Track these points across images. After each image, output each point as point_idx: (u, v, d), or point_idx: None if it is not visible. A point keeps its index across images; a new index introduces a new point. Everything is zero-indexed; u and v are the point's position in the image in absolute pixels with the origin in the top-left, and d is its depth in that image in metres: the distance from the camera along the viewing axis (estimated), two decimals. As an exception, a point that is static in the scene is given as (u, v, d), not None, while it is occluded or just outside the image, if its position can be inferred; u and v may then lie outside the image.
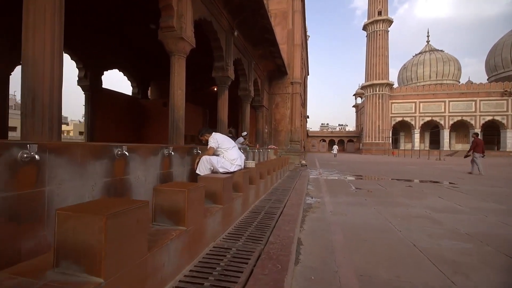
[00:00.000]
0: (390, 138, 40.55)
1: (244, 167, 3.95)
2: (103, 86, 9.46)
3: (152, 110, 11.14)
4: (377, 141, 39.72)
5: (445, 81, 42.83)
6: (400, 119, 40.30)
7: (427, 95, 39.00)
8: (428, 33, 50.14)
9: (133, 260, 1.26)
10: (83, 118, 9.21)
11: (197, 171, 3.42)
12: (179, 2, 4.45)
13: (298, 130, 13.53)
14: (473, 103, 37.20)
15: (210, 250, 2.09)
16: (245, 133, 7.60)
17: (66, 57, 8.32)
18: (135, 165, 2.38)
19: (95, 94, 8.90)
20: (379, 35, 39.93)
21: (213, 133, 3.81)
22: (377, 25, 39.95)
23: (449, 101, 38.09)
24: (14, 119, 15.00)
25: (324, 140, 58.64)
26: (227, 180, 2.69)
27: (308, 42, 28.61)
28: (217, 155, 3.65)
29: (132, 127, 10.74)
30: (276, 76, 12.86)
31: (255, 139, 11.78)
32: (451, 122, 38.05)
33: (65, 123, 63.92)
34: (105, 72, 9.65)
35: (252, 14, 7.21)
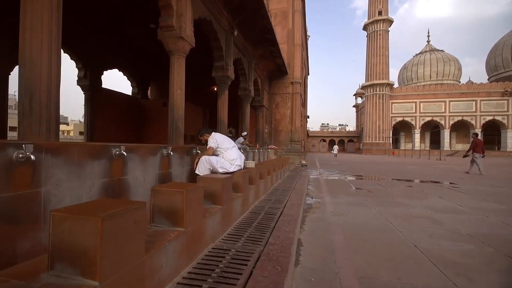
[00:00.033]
0: (391, 138, 40.51)
1: (243, 167, 3.93)
2: (103, 86, 9.45)
3: (152, 110, 11.12)
4: (377, 141, 39.68)
5: (445, 81, 42.78)
6: (400, 119, 40.26)
7: (428, 95, 38.96)
8: (428, 33, 50.11)
9: (130, 262, 1.24)
10: (83, 118, 9.18)
11: (197, 171, 3.39)
12: (178, 2, 4.43)
13: (298, 130, 13.51)
14: (474, 103, 37.15)
15: (209, 251, 2.07)
16: (245, 133, 7.58)
17: (66, 57, 8.33)
18: (134, 165, 2.36)
19: (95, 94, 8.88)
20: (380, 35, 39.88)
21: (213, 133, 3.79)
22: (378, 25, 39.91)
23: (450, 101, 38.04)
24: (14, 119, 14.97)
25: (324, 140, 58.61)
26: (226, 180, 2.67)
27: (308, 42, 28.57)
28: (217, 155, 3.63)
29: (132, 127, 10.72)
30: (276, 76, 12.83)
31: (255, 139, 11.76)
32: (451, 122, 38.00)
33: (65, 123, 63.92)
34: (104, 72, 9.63)
35: (252, 14, 7.18)
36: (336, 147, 28.96)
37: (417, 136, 39.40)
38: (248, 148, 6.55)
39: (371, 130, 40.46)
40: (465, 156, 10.66)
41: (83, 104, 8.88)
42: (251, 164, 4.36)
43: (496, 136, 37.56)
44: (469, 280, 1.85)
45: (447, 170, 11.79)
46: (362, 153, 40.35)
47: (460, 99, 37.70)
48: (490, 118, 36.38)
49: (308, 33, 26.26)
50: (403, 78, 48.90)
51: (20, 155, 1.41)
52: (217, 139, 3.67)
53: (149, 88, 13.02)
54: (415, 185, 6.76)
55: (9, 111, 8.46)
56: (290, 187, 5.52)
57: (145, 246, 1.37)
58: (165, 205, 1.78)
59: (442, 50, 46.74)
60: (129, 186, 2.29)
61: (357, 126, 58.29)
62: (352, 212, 3.78)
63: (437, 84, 41.06)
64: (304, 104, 21.76)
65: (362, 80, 52.04)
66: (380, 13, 39.80)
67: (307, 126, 40.88)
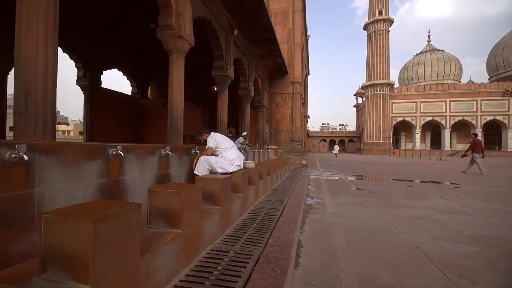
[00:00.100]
0: (391, 138, 40.44)
1: (243, 167, 3.89)
2: (102, 85, 9.41)
3: (152, 110, 11.08)
4: (378, 141, 39.61)
5: (446, 81, 42.69)
6: (401, 119, 40.18)
7: (428, 95, 38.87)
8: (429, 32, 50.06)
9: (125, 265, 1.20)
10: (83, 118, 9.14)
11: (195, 172, 3.36)
12: (177, 1, 4.40)
13: (299, 130, 13.47)
14: (474, 103, 37.05)
15: (207, 253, 2.03)
16: (245, 133, 7.54)
17: (66, 57, 8.29)
18: (131, 165, 2.33)
19: (94, 93, 8.84)
20: (380, 34, 39.81)
21: (212, 132, 3.75)
22: (378, 24, 39.83)
23: (450, 101, 37.95)
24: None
25: (324, 140, 58.54)
26: (225, 181, 2.63)
27: (309, 42, 28.52)
28: (216, 155, 3.59)
29: (132, 127, 10.68)
30: (277, 75, 12.79)
31: (255, 139, 11.72)
32: (452, 122, 37.91)
33: (65, 123, 64.02)
34: (104, 72, 9.59)
35: (252, 13, 7.15)
36: (336, 147, 28.92)
37: (417, 136, 39.32)
38: (248, 148, 6.51)
39: (371, 130, 40.38)
40: (463, 156, 10.77)
41: (83, 103, 8.84)
42: (251, 164, 4.32)
43: (497, 136, 37.47)
44: (473, 282, 1.81)
45: (448, 170, 11.74)
46: (362, 153, 40.27)
47: (460, 99, 37.61)
48: (491, 118, 36.28)
49: (308, 33, 26.22)
50: (403, 78, 48.81)
51: (13, 155, 1.37)
52: (216, 139, 3.63)
53: (149, 88, 12.99)
54: (416, 186, 6.72)
55: (8, 111, 8.41)
56: (290, 188, 5.49)
57: (140, 248, 1.34)
58: (162, 206, 1.75)
59: (442, 50, 46.65)
60: (126, 187, 2.25)
61: (357, 126, 58.22)
62: (353, 213, 3.74)
63: (437, 84, 40.96)
64: (304, 104, 21.72)
65: (362, 80, 52.00)
66: (380, 13, 39.72)
67: (308, 126, 40.84)
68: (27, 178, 1.46)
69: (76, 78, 8.64)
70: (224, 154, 3.61)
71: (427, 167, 13.45)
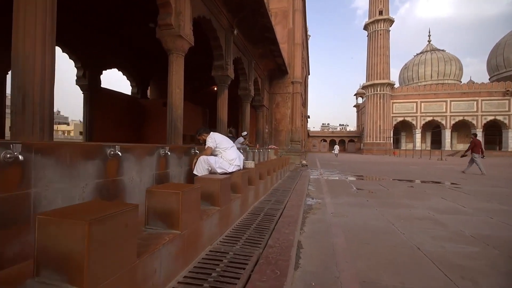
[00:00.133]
0: (392, 138, 40.39)
1: (243, 167, 3.87)
2: (102, 85, 9.38)
3: (152, 110, 11.06)
4: (378, 141, 39.56)
5: (446, 81, 42.64)
6: (401, 119, 40.13)
7: (429, 95, 38.82)
8: (429, 32, 50.02)
9: (121, 267, 1.18)
10: (82, 118, 9.12)
11: (195, 172, 3.34)
12: (177, 0, 4.38)
13: (299, 130, 13.44)
14: (475, 103, 37.00)
15: (206, 254, 2.01)
16: (245, 133, 7.53)
17: (65, 56, 8.27)
18: (130, 165, 2.30)
19: (94, 93, 8.81)
20: (380, 34, 39.76)
21: (211, 132, 3.73)
22: (378, 24, 39.78)
23: (451, 101, 37.90)
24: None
25: (325, 140, 58.49)
26: (225, 181, 2.61)
27: (309, 42, 28.49)
28: (215, 155, 3.57)
29: (131, 127, 10.66)
30: (277, 75, 12.77)
31: (255, 139, 11.70)
32: (452, 122, 37.85)
33: (65, 123, 64.06)
34: (104, 72, 9.57)
35: (252, 13, 7.12)
36: (337, 147, 28.87)
37: (418, 136, 39.27)
38: (248, 148, 6.49)
39: (372, 130, 40.34)
40: (463, 156, 10.85)
41: (83, 103, 8.82)
42: (251, 164, 4.30)
43: (497, 136, 37.40)
44: (475, 284, 1.79)
45: (448, 170, 11.71)
46: (363, 153, 40.22)
47: (461, 99, 37.55)
48: (492, 118, 36.22)
49: (308, 33, 26.19)
50: (404, 78, 48.75)
51: (8, 155, 1.35)
52: (215, 139, 3.60)
53: (149, 87, 12.96)
54: (417, 186, 6.69)
55: (8, 110, 8.40)
56: (290, 188, 5.46)
57: (137, 250, 1.31)
58: (160, 206, 1.73)
59: (443, 50, 46.58)
60: (124, 187, 2.23)
61: (357, 126, 58.16)
62: (353, 213, 3.72)
63: (438, 84, 40.90)
64: (304, 104, 21.69)
65: (362, 80, 51.88)
66: (380, 12, 39.68)
67: (308, 126, 40.80)
68: (22, 178, 1.43)
69: (75, 78, 8.62)
70: (224, 154, 3.58)
71: (427, 167, 13.42)
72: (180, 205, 1.70)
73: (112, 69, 10.60)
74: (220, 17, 6.23)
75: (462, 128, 38.72)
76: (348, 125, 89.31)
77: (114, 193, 2.12)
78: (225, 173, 3.40)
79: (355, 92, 57.50)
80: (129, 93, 11.69)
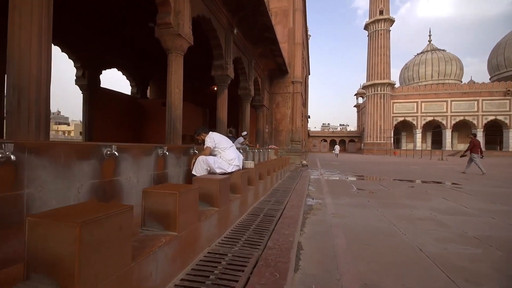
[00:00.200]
0: (392, 138, 40.32)
1: (242, 167, 3.83)
2: (101, 85, 9.35)
3: (152, 110, 11.02)
4: (378, 141, 39.49)
5: (447, 81, 42.56)
6: (401, 119, 40.06)
7: (429, 94, 38.75)
8: (430, 32, 49.95)
9: (115, 271, 1.14)
10: (82, 118, 9.08)
11: (193, 172, 3.30)
12: (176, -2, 4.34)
13: (299, 130, 13.39)
14: (475, 102, 36.92)
15: (204, 256, 1.97)
16: (245, 133, 7.49)
17: (65, 56, 8.23)
18: (127, 165, 2.27)
19: (93, 93, 8.78)
20: (381, 34, 39.69)
21: (210, 132, 3.69)
22: (379, 24, 39.72)
23: (451, 101, 37.83)
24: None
25: (325, 140, 58.43)
26: (224, 181, 2.57)
27: (309, 41, 28.44)
28: (214, 155, 3.53)
29: (131, 127, 10.63)
30: (277, 75, 12.73)
31: (255, 139, 11.66)
32: (453, 122, 37.78)
33: (66, 123, 64.10)
34: (103, 71, 9.53)
35: (252, 12, 7.09)
36: (337, 147, 28.84)
37: (418, 136, 39.19)
38: (248, 148, 6.45)
39: (372, 130, 40.27)
40: (462, 156, 10.90)
41: (82, 103, 8.78)
42: (250, 164, 4.26)
43: (498, 136, 37.31)
44: (479, 287, 1.75)
45: (449, 170, 11.66)
46: (363, 153, 40.15)
47: (461, 98, 37.48)
48: (492, 118, 36.14)
49: (309, 33, 26.14)
50: (404, 77, 48.67)
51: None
52: (214, 139, 3.57)
53: (149, 87, 12.93)
54: (418, 186, 6.65)
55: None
56: (290, 188, 5.42)
57: (133, 252, 1.28)
58: (157, 207, 1.69)
59: (443, 50, 46.50)
60: (121, 188, 2.19)
61: (358, 126, 58.08)
62: (354, 214, 3.68)
63: (438, 83, 40.82)
64: (305, 103, 21.64)
65: (363, 80, 51.80)
66: (381, 12, 39.62)
67: (308, 126, 40.73)
68: (15, 179, 1.40)
69: (75, 77, 8.58)
70: (223, 154, 3.55)
71: (428, 167, 13.37)
72: (177, 206, 1.66)
73: (112, 69, 10.57)
74: (219, 16, 6.20)
75: (462, 128, 38.62)
76: (348, 125, 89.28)
77: (111, 194, 2.09)
78: (224, 173, 3.36)
79: (356, 92, 57.45)
80: (129, 93, 11.66)
